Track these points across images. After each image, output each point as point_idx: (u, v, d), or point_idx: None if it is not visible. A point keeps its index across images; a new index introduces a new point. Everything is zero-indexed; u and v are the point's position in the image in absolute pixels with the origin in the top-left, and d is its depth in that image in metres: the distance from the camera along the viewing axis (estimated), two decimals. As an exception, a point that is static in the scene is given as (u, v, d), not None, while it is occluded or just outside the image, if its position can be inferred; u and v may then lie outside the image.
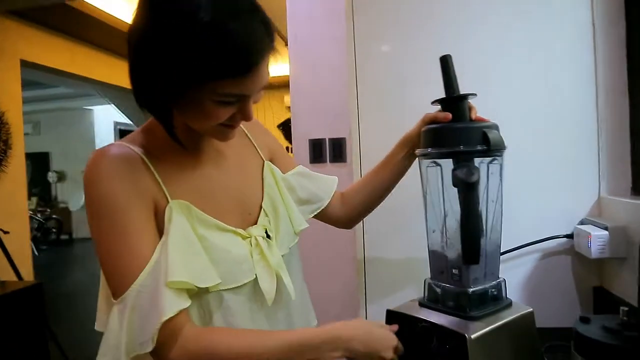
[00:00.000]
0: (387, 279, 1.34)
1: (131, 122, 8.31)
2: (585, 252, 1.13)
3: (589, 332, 0.76)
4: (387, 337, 0.79)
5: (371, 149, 1.35)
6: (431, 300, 0.90)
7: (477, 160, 0.83)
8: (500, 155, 0.85)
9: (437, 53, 0.90)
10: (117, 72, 5.35)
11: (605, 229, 1.09)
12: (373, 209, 1.08)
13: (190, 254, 0.72)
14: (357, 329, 0.78)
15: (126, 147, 0.76)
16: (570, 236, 1.21)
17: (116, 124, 9.41)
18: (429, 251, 0.92)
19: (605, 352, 0.72)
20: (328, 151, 2.45)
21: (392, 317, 0.90)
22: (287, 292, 0.84)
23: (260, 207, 0.87)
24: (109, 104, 7.51)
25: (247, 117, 0.74)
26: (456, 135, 0.84)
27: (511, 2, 1.27)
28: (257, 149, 0.94)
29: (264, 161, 0.92)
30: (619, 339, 0.72)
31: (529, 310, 0.87)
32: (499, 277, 0.89)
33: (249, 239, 0.81)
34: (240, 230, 0.80)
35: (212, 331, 0.73)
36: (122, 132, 9.66)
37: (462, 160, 0.82)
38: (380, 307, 1.35)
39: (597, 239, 1.08)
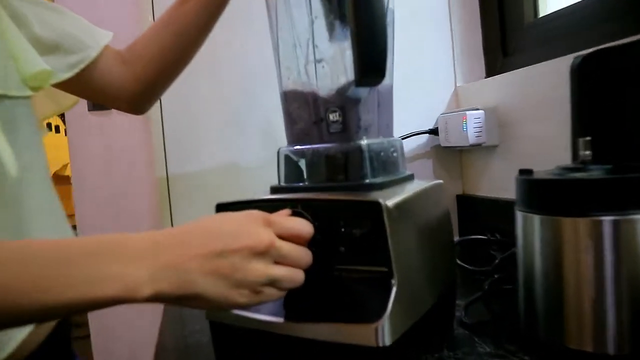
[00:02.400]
0: (198, 198, 0.91)
1: None
2: (456, 140, 0.90)
3: (541, 176, 0.48)
4: (247, 232, 0.37)
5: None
6: (293, 179, 0.51)
7: None
8: None
9: None
10: None
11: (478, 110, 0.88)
12: (174, 74, 0.67)
13: None
14: (183, 232, 0.36)
15: None
16: (434, 132, 0.98)
17: None
18: (285, 103, 0.53)
19: (574, 188, 0.45)
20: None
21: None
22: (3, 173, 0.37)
23: None
24: None
25: None
26: None
27: None
28: None
29: None
30: (584, 171, 0.46)
31: (439, 181, 0.56)
32: (393, 135, 0.56)
33: None
34: None
35: None
36: None
37: None
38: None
39: (473, 119, 0.86)
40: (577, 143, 0.49)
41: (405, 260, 0.42)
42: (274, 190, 0.51)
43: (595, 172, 0.47)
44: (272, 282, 0.36)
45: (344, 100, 0.48)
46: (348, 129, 0.48)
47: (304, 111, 0.51)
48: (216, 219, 0.38)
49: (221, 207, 0.48)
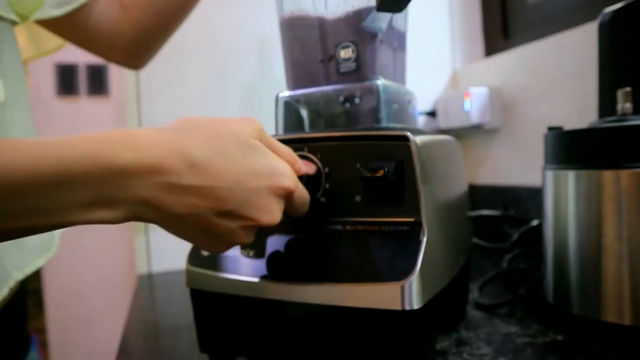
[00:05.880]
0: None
1: None
2: (457, 121, 0.85)
3: (575, 128, 0.42)
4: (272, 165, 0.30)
5: (142, 74, 0.83)
6: (295, 129, 0.44)
7: None
8: None
9: None
10: None
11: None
12: (175, 21, 0.62)
13: None
14: (190, 132, 0.28)
15: None
16: (431, 114, 0.93)
17: None
18: (285, 41, 0.46)
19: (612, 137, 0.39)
20: (82, 80, 1.73)
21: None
22: None
23: None
24: None
25: None
26: None
27: None
28: None
29: None
30: (625, 122, 0.41)
31: (454, 139, 0.49)
32: (405, 82, 0.49)
33: None
34: None
35: None
36: None
37: None
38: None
39: (478, 97, 0.81)
40: (615, 96, 0.44)
41: (434, 213, 0.35)
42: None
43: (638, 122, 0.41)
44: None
45: (359, 34, 0.41)
46: (362, 68, 0.41)
47: (309, 49, 0.44)
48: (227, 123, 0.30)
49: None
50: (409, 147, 0.33)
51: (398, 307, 0.31)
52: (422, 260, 0.32)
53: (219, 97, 0.86)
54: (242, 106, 0.86)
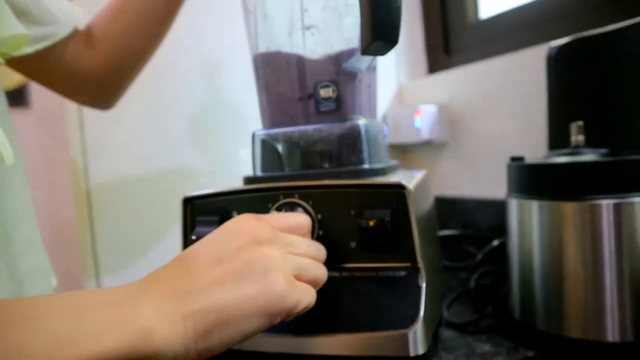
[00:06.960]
0: (128, 210, 0.77)
1: None
2: (407, 137, 0.88)
3: (537, 161, 0.46)
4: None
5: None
6: (273, 168, 0.43)
7: None
8: None
9: None
10: None
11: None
12: (142, 57, 0.58)
13: None
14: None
15: None
16: (381, 129, 0.95)
17: None
18: (260, 78, 0.45)
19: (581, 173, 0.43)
20: (-5, 91, 1.56)
21: (203, 209, 0.39)
22: None
23: None
24: None
25: None
26: None
27: None
28: None
29: None
30: (580, 155, 0.45)
31: (425, 171, 0.51)
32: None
33: None
34: None
35: None
36: None
37: None
38: (122, 274, 0.78)
39: (427, 115, 0.84)
40: (569, 128, 0.48)
41: (426, 255, 0.36)
42: (248, 181, 0.42)
43: (592, 156, 0.45)
44: (298, 270, 0.29)
45: (339, 75, 0.41)
46: (342, 108, 0.42)
47: (286, 87, 0.43)
48: (202, 239, 0.29)
49: (188, 201, 0.39)
50: (404, 194, 0.34)
51: (405, 354, 0.32)
52: (425, 306, 0.33)
53: (166, 112, 0.81)
54: (189, 125, 0.83)
